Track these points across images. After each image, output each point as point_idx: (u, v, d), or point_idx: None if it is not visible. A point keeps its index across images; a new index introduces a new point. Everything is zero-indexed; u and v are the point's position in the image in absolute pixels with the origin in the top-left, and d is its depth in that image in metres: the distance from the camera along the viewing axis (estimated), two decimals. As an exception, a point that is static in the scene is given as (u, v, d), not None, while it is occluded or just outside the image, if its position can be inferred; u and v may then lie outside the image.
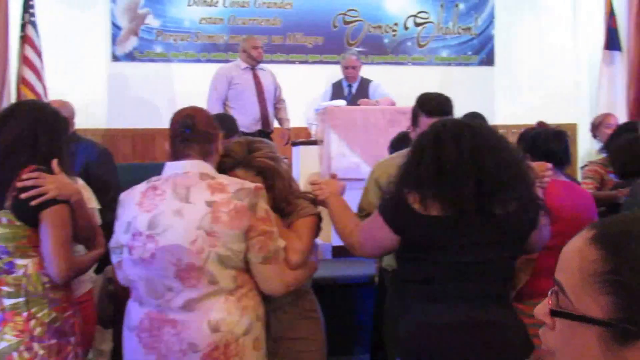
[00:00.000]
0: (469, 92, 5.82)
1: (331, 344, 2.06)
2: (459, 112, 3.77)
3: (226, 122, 2.65)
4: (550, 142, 2.53)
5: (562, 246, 2.34)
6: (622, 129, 3.41)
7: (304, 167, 4.28)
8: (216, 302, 1.60)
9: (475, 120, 3.66)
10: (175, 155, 1.72)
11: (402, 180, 1.71)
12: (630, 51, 5.25)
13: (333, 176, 2.04)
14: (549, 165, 2.04)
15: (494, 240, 1.65)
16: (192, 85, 5.45)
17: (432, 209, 1.63)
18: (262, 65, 4.89)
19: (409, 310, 1.73)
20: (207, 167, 1.68)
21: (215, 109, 4.56)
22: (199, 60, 5.76)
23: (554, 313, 0.69)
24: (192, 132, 1.70)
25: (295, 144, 4.57)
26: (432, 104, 2.31)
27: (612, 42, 5.43)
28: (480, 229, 1.63)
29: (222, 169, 1.78)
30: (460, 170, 1.60)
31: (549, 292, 0.71)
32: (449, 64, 6.01)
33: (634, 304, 0.62)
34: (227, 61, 5.55)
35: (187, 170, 1.66)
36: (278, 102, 4.95)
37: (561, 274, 0.70)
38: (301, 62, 5.88)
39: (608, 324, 0.63)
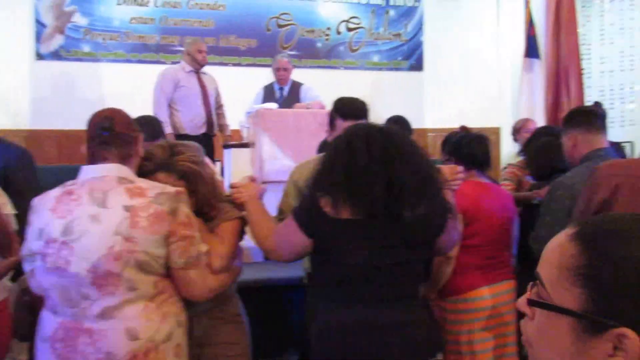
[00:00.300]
0: (399, 96, 5.99)
1: (262, 347, 2.06)
2: (389, 115, 3.90)
3: (151, 125, 2.61)
4: (472, 146, 2.64)
5: (482, 244, 2.42)
6: (538, 134, 3.57)
7: (236, 169, 4.26)
8: (135, 310, 1.56)
9: (398, 123, 3.80)
10: (93, 159, 1.66)
11: (315, 184, 1.72)
12: (547, 59, 5.55)
13: (252, 179, 2.04)
14: (460, 168, 2.10)
15: (403, 243, 1.69)
16: (122, 85, 5.32)
17: (343, 212, 1.65)
18: (203, 69, 4.86)
19: (320, 313, 1.75)
20: (126, 171, 1.65)
21: (162, 110, 4.52)
22: (129, 61, 5.62)
23: (531, 302, 0.73)
24: (110, 135, 1.65)
25: (227, 146, 4.55)
26: (348, 108, 2.34)
27: (531, 50, 5.73)
28: (389, 232, 1.67)
29: (142, 172, 1.74)
30: (371, 174, 1.62)
31: (529, 285, 0.75)
32: (380, 69, 6.15)
33: (604, 297, 0.66)
34: (158, 62, 5.45)
35: (105, 174, 1.62)
36: (218, 107, 4.93)
37: (542, 267, 0.73)
38: (234, 65, 5.85)
39: (580, 315, 0.67)
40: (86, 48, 5.56)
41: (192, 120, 4.66)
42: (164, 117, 4.55)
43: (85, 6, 5.51)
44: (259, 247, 1.91)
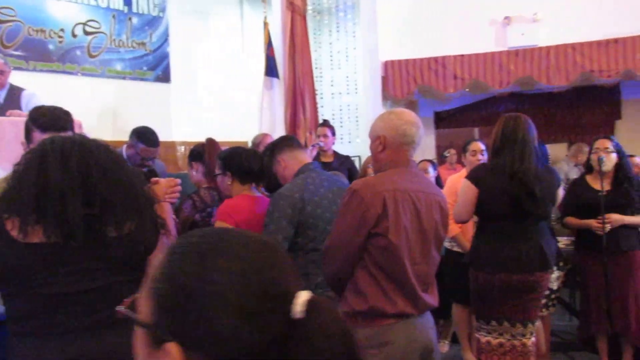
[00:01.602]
0: (145, 107, 5.75)
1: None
2: (134, 126, 3.68)
3: None
4: (249, 160, 2.74)
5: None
6: (267, 149, 3.76)
7: None
8: None
9: (142, 134, 3.63)
10: None
11: (1, 204, 1.50)
12: (285, 79, 5.91)
13: None
14: (178, 180, 2.07)
15: (107, 264, 1.56)
16: None
17: (33, 235, 1.46)
18: None
19: (14, 349, 1.52)
20: None
21: None
22: None
23: (118, 311, 0.73)
24: None
25: None
26: (46, 119, 2.14)
27: (270, 69, 6.04)
28: (90, 254, 1.52)
29: None
30: (67, 192, 1.46)
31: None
32: (124, 78, 5.80)
33: (160, 311, 0.65)
34: None
35: None
36: None
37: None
38: (-64, 62, 4.90)
39: (145, 326, 0.67)
40: None
41: None
42: None
43: None
44: None
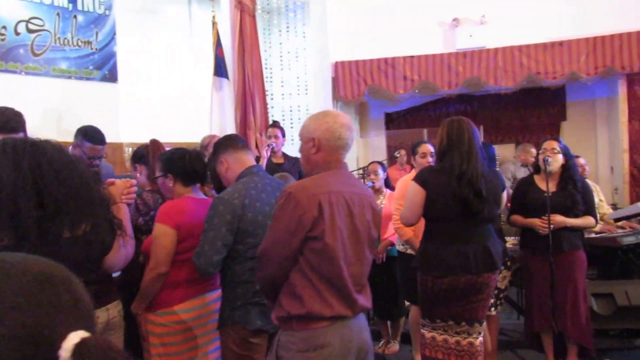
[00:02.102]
0: (92, 107, 5.58)
1: None
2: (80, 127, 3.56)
3: None
4: (191, 162, 2.71)
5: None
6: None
7: None
8: None
9: (87, 134, 3.52)
10: None
11: None
12: (235, 79, 5.83)
13: None
14: (134, 182, 2.10)
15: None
16: None
17: None
18: None
19: None
20: None
21: None
22: None
23: None
24: None
25: None
26: None
27: (219, 69, 5.94)
28: (44, 255, 1.48)
29: None
30: (19, 193, 1.47)
31: None
32: (70, 77, 5.62)
33: None
34: None
35: None
36: None
37: None
38: None
39: None
40: None
41: None
42: None
43: None
44: None
